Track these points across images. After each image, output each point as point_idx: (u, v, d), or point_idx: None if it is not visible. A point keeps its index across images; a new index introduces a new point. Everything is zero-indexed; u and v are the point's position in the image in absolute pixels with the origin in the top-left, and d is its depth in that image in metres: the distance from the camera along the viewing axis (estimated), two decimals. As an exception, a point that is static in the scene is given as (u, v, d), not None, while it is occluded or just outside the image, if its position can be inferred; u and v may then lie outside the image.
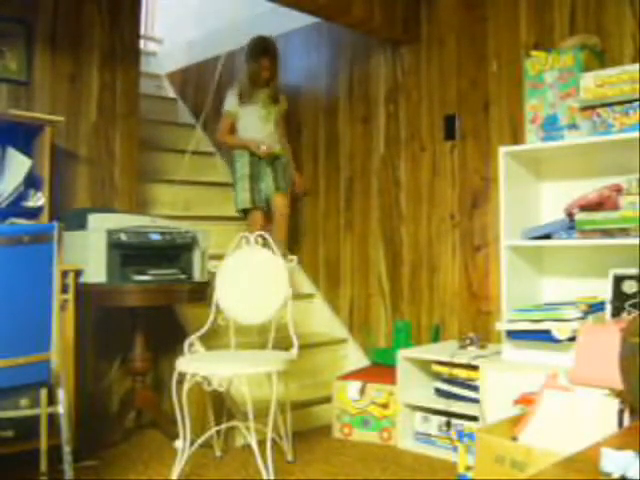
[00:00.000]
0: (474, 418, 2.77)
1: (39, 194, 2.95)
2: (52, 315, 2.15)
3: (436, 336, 3.52)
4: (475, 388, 2.83)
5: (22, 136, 2.99)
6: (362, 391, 3.24)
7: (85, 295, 2.87)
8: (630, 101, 2.55)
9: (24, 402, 2.67)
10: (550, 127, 2.78)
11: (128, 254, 2.97)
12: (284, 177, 4.03)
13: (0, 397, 2.38)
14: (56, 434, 2.23)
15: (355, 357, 3.92)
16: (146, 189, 4.03)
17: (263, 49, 3.99)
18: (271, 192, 3.96)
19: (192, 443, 2.67)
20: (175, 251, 3.15)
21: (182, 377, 2.66)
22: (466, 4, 3.51)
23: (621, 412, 1.91)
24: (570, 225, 2.70)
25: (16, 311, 2.05)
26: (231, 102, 4.02)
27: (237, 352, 3.00)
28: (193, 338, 2.89)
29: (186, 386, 2.63)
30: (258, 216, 3.95)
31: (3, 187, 2.88)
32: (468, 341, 3.14)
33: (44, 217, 2.94)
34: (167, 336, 3.42)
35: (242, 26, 4.53)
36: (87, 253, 2.88)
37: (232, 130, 4.05)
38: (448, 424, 2.97)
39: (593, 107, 2.65)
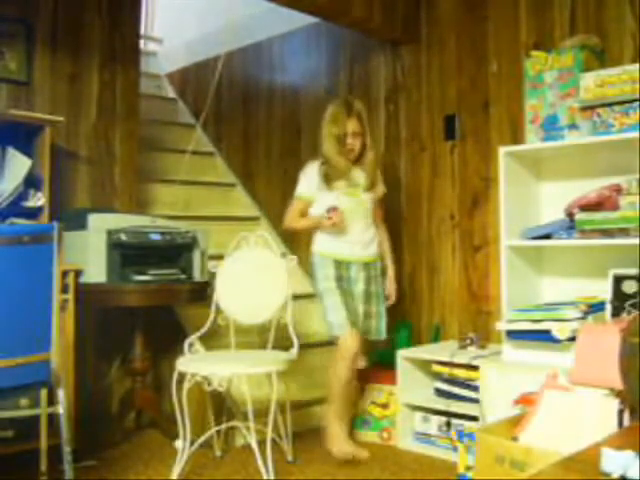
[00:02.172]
0: (474, 418, 2.77)
1: (39, 194, 2.95)
2: (52, 315, 2.14)
3: (436, 336, 3.52)
4: (475, 388, 2.83)
5: (22, 136, 2.99)
6: (362, 391, 3.24)
7: (85, 295, 2.87)
8: (630, 101, 2.55)
9: (24, 402, 2.68)
10: (550, 127, 2.77)
11: (128, 254, 2.97)
12: (375, 297, 3.13)
13: (0, 397, 2.37)
14: (56, 434, 2.23)
15: (355, 357, 3.91)
16: (146, 189, 4.03)
17: (348, 109, 3.07)
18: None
19: (192, 443, 2.68)
20: (175, 251, 3.16)
21: (182, 377, 2.66)
22: (466, 4, 3.51)
23: (621, 412, 1.91)
24: (570, 225, 2.70)
25: (16, 311, 2.05)
26: (309, 184, 3.08)
27: (237, 352, 3.00)
28: (193, 338, 2.90)
29: (186, 386, 2.64)
30: (354, 342, 2.93)
31: (3, 187, 2.88)
32: (468, 341, 3.14)
33: (44, 217, 2.94)
34: (167, 336, 3.42)
35: (242, 26, 4.53)
36: (87, 253, 2.89)
37: (303, 216, 3.15)
38: (448, 424, 2.97)
39: (593, 107, 2.64)
